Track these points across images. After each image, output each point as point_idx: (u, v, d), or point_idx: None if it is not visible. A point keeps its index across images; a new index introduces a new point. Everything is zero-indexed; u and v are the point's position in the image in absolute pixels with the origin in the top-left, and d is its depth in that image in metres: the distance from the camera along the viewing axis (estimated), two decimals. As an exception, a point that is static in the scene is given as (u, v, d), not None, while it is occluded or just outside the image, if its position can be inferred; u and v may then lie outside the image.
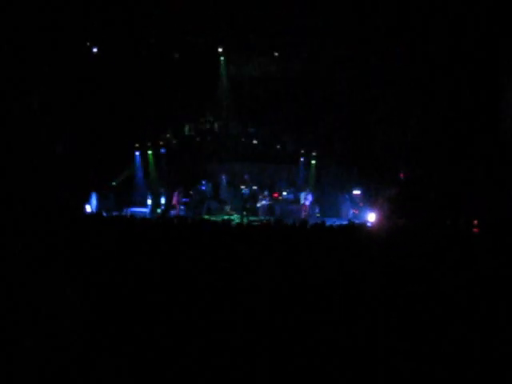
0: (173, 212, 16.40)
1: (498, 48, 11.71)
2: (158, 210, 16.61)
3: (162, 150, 18.88)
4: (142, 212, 16.14)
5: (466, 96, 12.49)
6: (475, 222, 10.66)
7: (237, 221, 14.66)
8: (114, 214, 14.28)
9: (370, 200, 15.73)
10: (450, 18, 11.76)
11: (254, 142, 18.91)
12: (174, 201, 16.77)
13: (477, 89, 12.38)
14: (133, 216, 10.56)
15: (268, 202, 16.76)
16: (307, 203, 16.54)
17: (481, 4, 11.32)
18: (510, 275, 4.63)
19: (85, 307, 3.45)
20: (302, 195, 16.83)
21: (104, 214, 11.72)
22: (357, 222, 11.95)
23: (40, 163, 12.07)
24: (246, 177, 17.67)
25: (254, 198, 17.03)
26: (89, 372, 2.95)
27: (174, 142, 19.24)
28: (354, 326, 3.80)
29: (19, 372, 2.80)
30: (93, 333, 3.23)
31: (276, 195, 17.51)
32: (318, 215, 16.38)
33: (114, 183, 17.49)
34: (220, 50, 16.20)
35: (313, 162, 18.19)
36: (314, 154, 18.15)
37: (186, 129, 19.58)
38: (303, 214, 16.19)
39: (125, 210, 16.00)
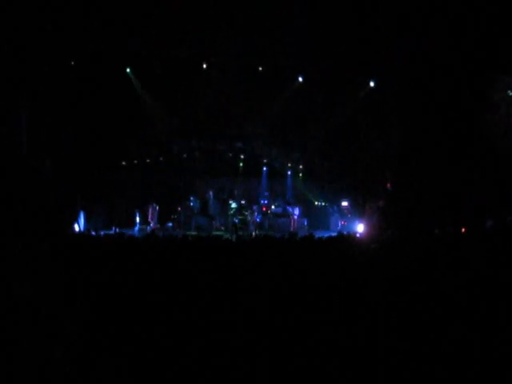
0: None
1: (498, 48, 11.70)
2: (148, 228, 16.49)
3: None
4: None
5: (466, 96, 12.48)
6: (463, 229, 10.73)
7: (226, 236, 14.59)
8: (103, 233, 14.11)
9: (358, 211, 15.81)
10: (450, 17, 11.72)
11: (242, 156, 18.98)
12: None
13: (476, 89, 12.37)
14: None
15: (257, 216, 16.77)
16: (295, 216, 16.63)
17: (481, 4, 11.31)
18: (506, 275, 4.67)
19: (85, 307, 3.42)
20: (290, 209, 16.91)
21: (93, 233, 11.61)
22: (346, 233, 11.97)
23: (27, 180, 11.93)
24: (236, 192, 17.75)
25: (242, 212, 17.04)
26: (89, 372, 2.92)
27: (161, 158, 19.19)
28: (353, 326, 3.80)
29: (19, 372, 2.76)
30: (93, 333, 3.20)
31: (265, 209, 17.53)
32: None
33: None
34: (204, 64, 16.22)
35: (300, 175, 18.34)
36: (301, 166, 18.29)
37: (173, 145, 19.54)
38: (291, 227, 16.24)
39: (113, 229, 15.85)
